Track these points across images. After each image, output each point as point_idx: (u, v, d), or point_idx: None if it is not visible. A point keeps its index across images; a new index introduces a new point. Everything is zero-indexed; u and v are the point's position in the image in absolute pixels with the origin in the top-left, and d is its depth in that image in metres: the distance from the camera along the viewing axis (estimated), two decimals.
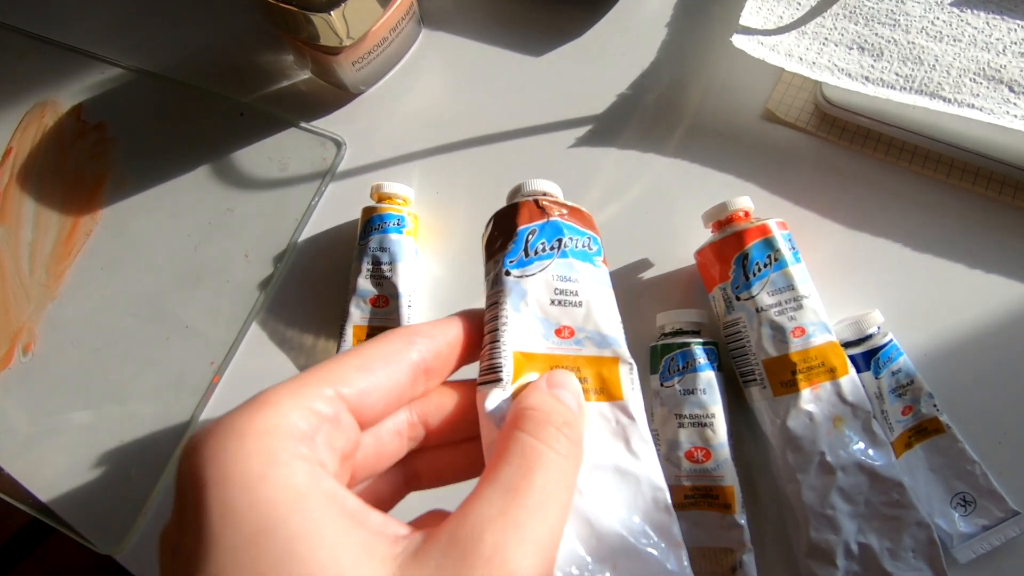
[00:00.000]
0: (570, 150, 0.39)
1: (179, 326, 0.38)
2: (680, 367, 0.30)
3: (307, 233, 0.39)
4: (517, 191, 0.26)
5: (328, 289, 0.37)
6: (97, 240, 0.40)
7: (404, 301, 0.35)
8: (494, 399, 0.20)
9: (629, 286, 0.36)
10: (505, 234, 0.24)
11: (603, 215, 0.37)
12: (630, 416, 0.22)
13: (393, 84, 0.42)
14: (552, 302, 0.23)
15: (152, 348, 0.38)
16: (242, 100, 0.42)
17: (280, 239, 0.39)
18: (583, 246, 0.24)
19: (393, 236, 0.35)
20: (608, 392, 0.22)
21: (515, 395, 0.20)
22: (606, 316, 0.23)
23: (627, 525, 0.20)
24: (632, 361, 0.23)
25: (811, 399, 0.29)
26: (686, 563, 0.20)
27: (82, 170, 0.42)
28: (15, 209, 0.42)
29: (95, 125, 0.43)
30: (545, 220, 0.24)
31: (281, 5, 0.34)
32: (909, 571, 0.28)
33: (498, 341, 0.21)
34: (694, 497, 0.29)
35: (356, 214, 0.37)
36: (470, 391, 0.21)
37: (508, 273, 0.23)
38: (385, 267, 0.35)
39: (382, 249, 0.35)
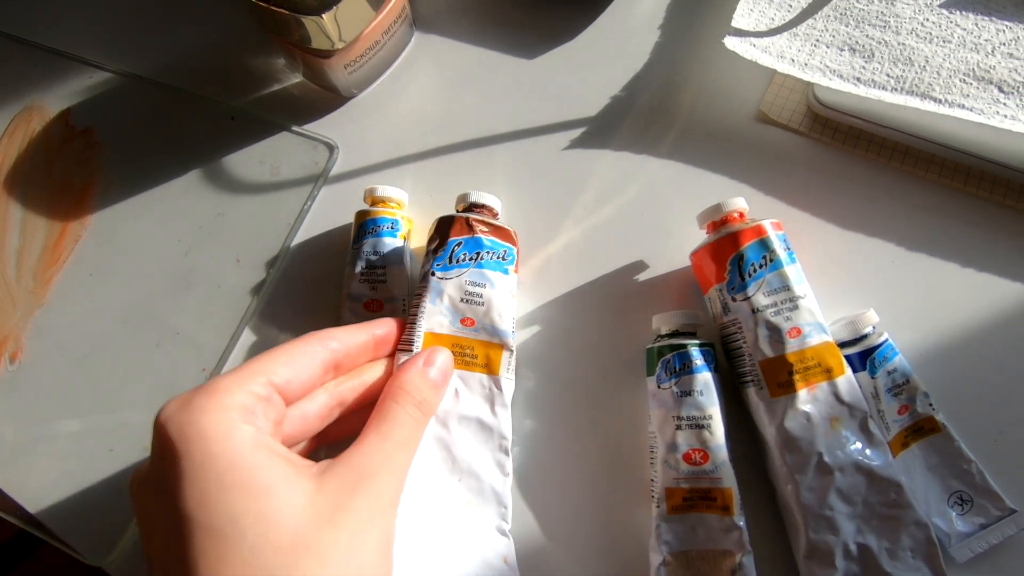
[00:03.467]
0: (564, 152, 0.39)
1: (170, 332, 0.37)
2: (676, 369, 0.30)
3: (300, 238, 0.39)
4: (461, 199, 0.34)
5: (321, 294, 0.37)
6: (85, 246, 0.40)
7: (398, 307, 0.34)
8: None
9: (624, 288, 0.36)
10: (440, 241, 0.32)
11: (597, 217, 0.37)
12: (499, 388, 0.31)
13: (385, 87, 0.42)
14: (461, 300, 0.31)
15: (142, 355, 0.37)
16: (232, 104, 0.42)
17: (272, 244, 0.38)
18: (498, 257, 0.32)
19: (387, 240, 0.35)
20: (490, 367, 0.31)
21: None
22: (502, 314, 0.31)
23: (476, 457, 0.30)
24: (513, 349, 0.31)
25: (808, 400, 0.29)
26: (507, 486, 0.30)
27: (70, 175, 0.42)
28: (1, 215, 0.41)
29: (83, 130, 0.43)
30: (470, 236, 0.32)
31: (272, 8, 0.34)
32: (908, 571, 0.28)
33: (415, 323, 0.31)
34: (692, 499, 0.29)
35: (349, 218, 0.37)
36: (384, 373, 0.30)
37: (434, 274, 0.32)
38: (379, 271, 0.34)
39: (376, 253, 0.35)
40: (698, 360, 0.30)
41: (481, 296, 0.31)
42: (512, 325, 0.32)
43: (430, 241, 0.32)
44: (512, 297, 0.32)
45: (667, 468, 0.29)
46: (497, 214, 0.34)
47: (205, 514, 0.20)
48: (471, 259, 0.31)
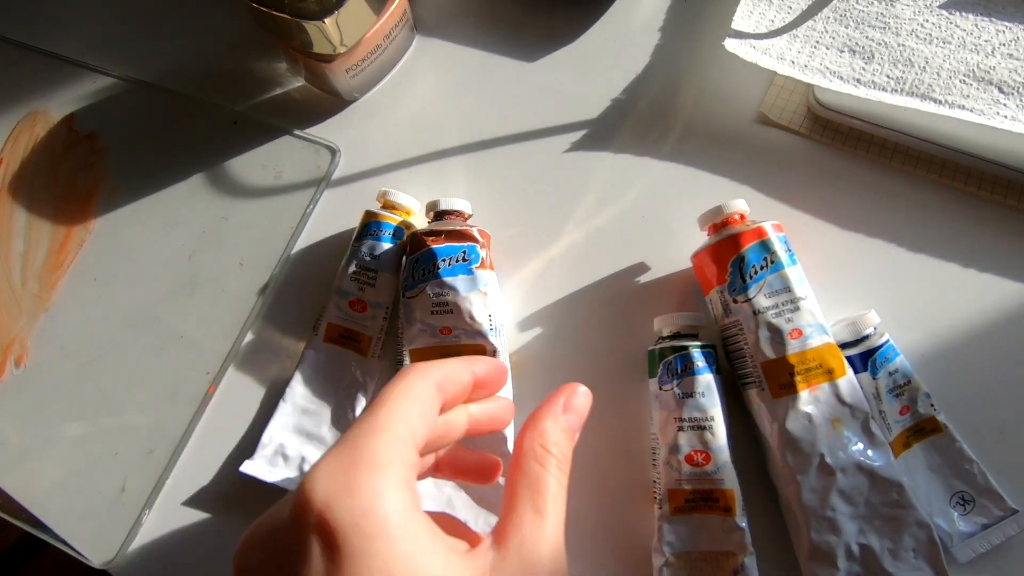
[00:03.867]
0: (565, 155, 0.39)
1: (174, 336, 0.38)
2: (678, 371, 0.30)
3: (302, 241, 0.39)
4: (430, 207, 0.34)
5: (324, 298, 0.37)
6: (90, 250, 0.40)
7: (381, 312, 0.35)
8: None
9: (626, 290, 0.36)
10: (407, 262, 0.33)
11: (599, 219, 0.37)
12: None
13: (387, 91, 0.42)
14: (432, 312, 0.32)
15: (146, 359, 0.37)
16: (235, 108, 0.42)
17: (275, 247, 0.39)
18: (457, 260, 0.32)
19: (386, 245, 0.35)
20: None
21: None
22: (473, 316, 0.32)
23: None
24: (497, 347, 0.32)
25: (809, 401, 0.29)
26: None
27: (74, 180, 0.42)
28: (6, 220, 0.41)
29: (87, 135, 0.43)
30: (424, 250, 0.32)
31: (274, 13, 0.34)
32: (910, 571, 0.28)
33: (401, 344, 0.33)
34: (695, 500, 0.29)
35: (352, 222, 0.37)
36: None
37: (404, 295, 0.33)
38: (371, 274, 0.35)
39: (372, 256, 0.35)
40: (700, 362, 0.30)
41: (447, 304, 0.32)
42: (490, 323, 0.32)
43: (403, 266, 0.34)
44: (483, 295, 0.32)
45: (669, 469, 0.29)
46: (468, 217, 0.35)
47: None
48: (429, 272, 0.32)
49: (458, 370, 0.24)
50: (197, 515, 0.34)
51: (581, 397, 0.25)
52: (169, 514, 0.34)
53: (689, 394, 0.30)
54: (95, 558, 0.34)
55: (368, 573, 0.18)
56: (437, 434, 0.24)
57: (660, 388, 0.31)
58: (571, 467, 0.24)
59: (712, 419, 0.29)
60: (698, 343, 0.31)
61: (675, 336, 0.32)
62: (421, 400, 0.22)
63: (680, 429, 0.30)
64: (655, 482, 0.30)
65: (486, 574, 0.20)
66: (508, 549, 0.21)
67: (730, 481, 0.29)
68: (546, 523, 0.22)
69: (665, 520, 0.29)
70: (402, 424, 0.21)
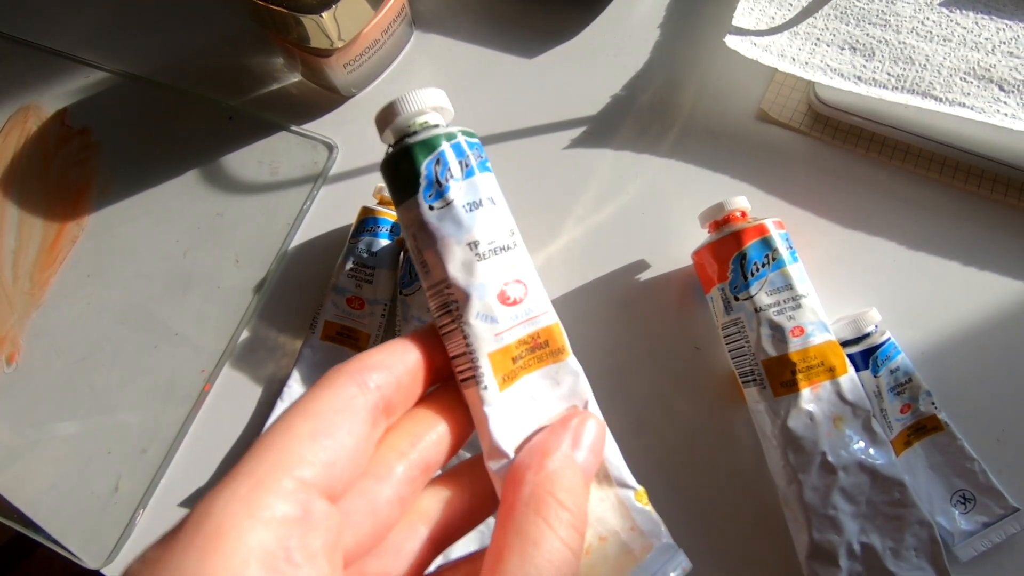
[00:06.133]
0: (565, 151, 0.39)
1: (168, 334, 0.37)
2: (457, 169, 0.19)
3: (299, 238, 0.39)
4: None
5: (321, 295, 0.37)
6: (83, 247, 0.40)
7: (379, 309, 0.35)
8: None
9: (626, 288, 0.35)
10: (404, 259, 0.33)
11: (599, 216, 0.37)
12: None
13: (385, 86, 0.42)
14: (428, 309, 0.25)
15: (140, 357, 0.37)
16: (231, 103, 0.42)
17: (271, 244, 0.38)
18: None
19: (383, 242, 0.34)
20: None
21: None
22: None
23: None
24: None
25: (811, 399, 0.29)
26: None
27: (67, 176, 0.41)
28: None
29: (80, 130, 0.42)
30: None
31: (270, 7, 0.34)
32: (912, 570, 0.28)
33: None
34: (523, 355, 0.19)
35: (348, 218, 0.36)
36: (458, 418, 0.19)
37: (401, 292, 0.33)
38: (368, 271, 0.34)
39: (370, 253, 0.34)
40: (476, 154, 0.19)
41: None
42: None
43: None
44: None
45: (483, 324, 0.18)
46: None
47: None
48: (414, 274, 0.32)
49: (393, 352, 0.17)
50: None
51: (593, 429, 0.17)
52: (164, 515, 0.34)
53: (476, 203, 0.19)
54: (88, 559, 0.33)
55: None
56: (432, 437, 0.17)
57: (430, 207, 0.19)
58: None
59: (513, 233, 0.19)
60: (461, 128, 0.20)
61: (426, 126, 0.20)
62: (317, 415, 0.15)
63: (479, 257, 0.18)
64: (460, 356, 0.18)
65: None
66: None
67: (552, 313, 0.20)
68: None
69: (495, 400, 0.18)
70: (276, 460, 0.14)
